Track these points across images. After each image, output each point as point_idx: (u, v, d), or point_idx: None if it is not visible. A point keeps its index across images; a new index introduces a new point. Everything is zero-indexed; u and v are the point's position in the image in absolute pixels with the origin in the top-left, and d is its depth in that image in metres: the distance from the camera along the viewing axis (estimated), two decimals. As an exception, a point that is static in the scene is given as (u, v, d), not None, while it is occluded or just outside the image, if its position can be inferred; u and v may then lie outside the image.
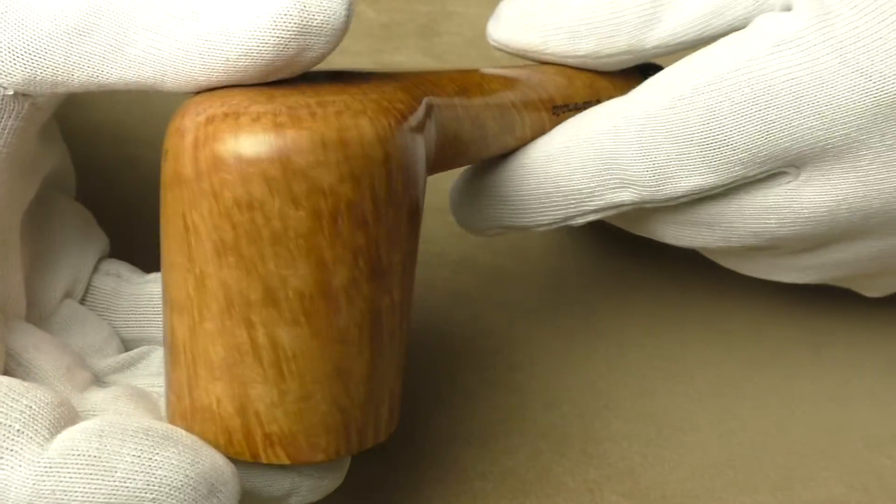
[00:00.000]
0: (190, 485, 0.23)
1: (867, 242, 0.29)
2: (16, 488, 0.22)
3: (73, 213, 0.30)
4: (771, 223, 0.29)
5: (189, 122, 0.23)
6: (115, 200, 0.31)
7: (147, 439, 0.23)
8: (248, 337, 0.23)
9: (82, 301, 0.29)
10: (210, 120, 0.23)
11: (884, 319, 0.38)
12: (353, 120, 0.23)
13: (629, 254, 0.38)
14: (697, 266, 0.36)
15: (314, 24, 0.23)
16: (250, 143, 0.22)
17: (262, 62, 0.23)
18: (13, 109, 0.25)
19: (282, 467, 0.25)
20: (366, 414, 0.25)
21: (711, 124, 0.27)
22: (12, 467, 0.22)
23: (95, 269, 0.29)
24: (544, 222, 0.30)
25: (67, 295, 0.29)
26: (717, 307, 0.37)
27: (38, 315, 0.28)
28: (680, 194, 0.28)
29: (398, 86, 0.25)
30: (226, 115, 0.23)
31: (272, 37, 0.23)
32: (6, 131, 0.25)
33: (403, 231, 0.24)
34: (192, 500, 0.23)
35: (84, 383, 0.26)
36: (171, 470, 0.23)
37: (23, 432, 0.22)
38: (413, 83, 0.26)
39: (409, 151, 0.24)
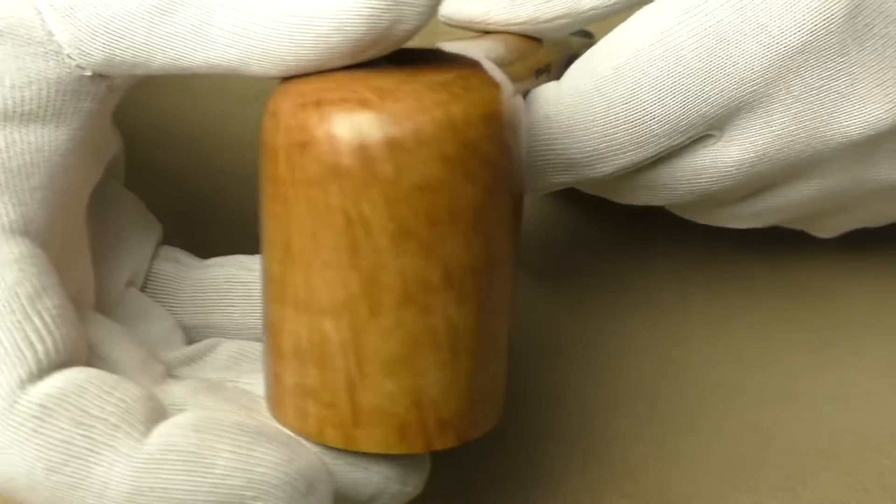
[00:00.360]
0: (290, 482, 0.22)
1: (796, 187, 0.30)
2: (115, 485, 0.21)
3: (129, 199, 0.29)
4: (703, 182, 0.29)
5: (332, 110, 0.21)
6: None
7: (243, 435, 0.22)
8: (426, 323, 0.22)
9: (142, 289, 0.28)
10: (364, 105, 0.21)
11: (884, 320, 0.38)
12: (493, 93, 0.22)
13: (629, 254, 0.38)
14: (698, 266, 0.36)
15: None
16: (424, 123, 0.21)
17: (355, 36, 0.22)
18: (90, 91, 0.24)
19: (367, 470, 0.24)
20: (503, 386, 0.25)
21: (633, 102, 0.28)
22: (111, 463, 0.21)
23: (154, 255, 0.28)
24: None
25: (130, 283, 0.28)
26: (717, 307, 0.37)
27: (104, 305, 0.27)
28: (613, 171, 0.29)
29: (483, 58, 0.25)
30: (381, 98, 0.21)
31: (364, 7, 0.21)
32: (82, 113, 0.24)
33: (523, 198, 0.24)
34: (292, 497, 0.22)
35: (160, 376, 0.25)
36: (270, 467, 0.22)
37: (119, 427, 0.21)
38: (486, 53, 0.25)
39: (525, 118, 0.24)
